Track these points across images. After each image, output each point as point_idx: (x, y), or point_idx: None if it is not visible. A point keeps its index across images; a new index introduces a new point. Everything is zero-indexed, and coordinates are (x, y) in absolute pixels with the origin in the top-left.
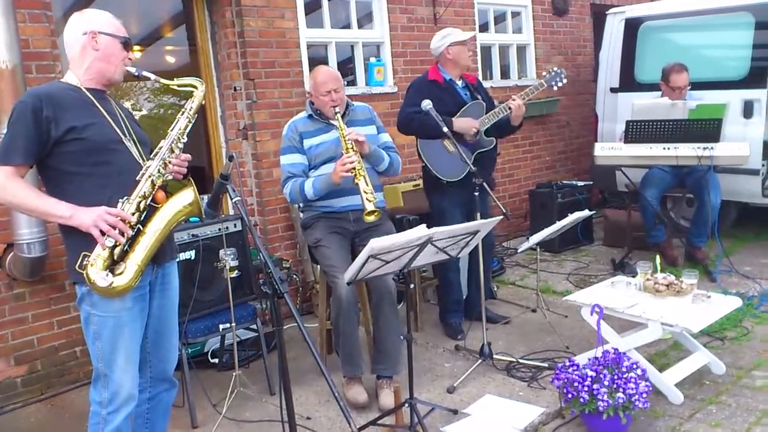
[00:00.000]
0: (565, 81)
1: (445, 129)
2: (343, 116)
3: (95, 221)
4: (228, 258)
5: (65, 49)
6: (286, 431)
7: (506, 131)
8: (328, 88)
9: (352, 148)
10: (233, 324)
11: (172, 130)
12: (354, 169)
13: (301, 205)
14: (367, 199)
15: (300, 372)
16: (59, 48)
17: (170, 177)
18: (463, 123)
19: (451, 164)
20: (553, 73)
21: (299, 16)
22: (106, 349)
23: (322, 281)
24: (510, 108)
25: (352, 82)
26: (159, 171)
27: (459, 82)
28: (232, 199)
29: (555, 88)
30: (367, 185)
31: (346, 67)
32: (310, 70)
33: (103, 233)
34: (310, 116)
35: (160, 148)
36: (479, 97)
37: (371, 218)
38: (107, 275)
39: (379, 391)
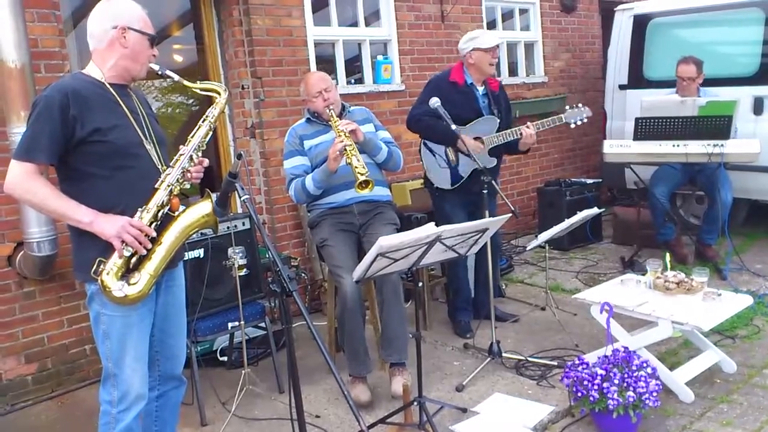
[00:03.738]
0: (585, 120)
1: (454, 127)
2: (340, 117)
3: (119, 232)
4: (237, 256)
5: (88, 38)
6: (295, 429)
7: (512, 152)
8: (318, 89)
9: (345, 135)
10: (242, 322)
11: (192, 137)
12: (345, 149)
13: (308, 204)
14: (358, 172)
15: (309, 370)
16: (68, 47)
17: (188, 186)
18: (470, 144)
19: (448, 171)
20: (576, 110)
21: (306, 14)
22: (115, 348)
23: (330, 279)
24: (521, 134)
25: (360, 80)
26: (177, 180)
27: (480, 88)
28: (240, 197)
29: (572, 125)
30: (359, 161)
31: (353, 65)
32: (318, 68)
33: (122, 242)
34: (308, 120)
35: (181, 155)
36: (495, 111)
37: (364, 191)
38: (123, 286)
39: (392, 378)
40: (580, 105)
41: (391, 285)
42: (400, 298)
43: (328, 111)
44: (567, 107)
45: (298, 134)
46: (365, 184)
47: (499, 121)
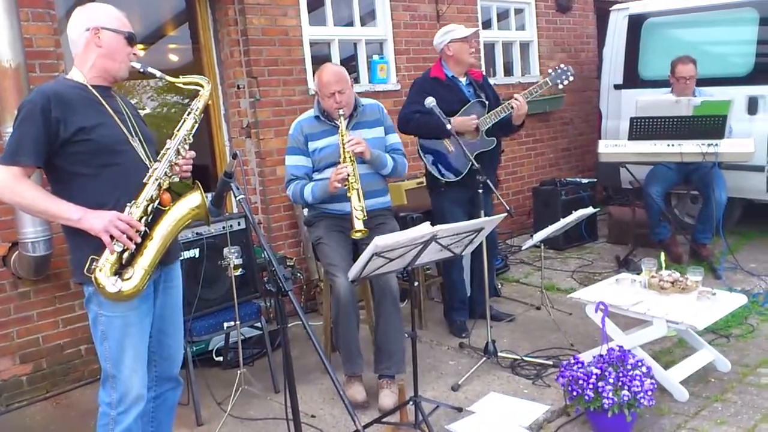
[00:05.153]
0: (571, 79)
1: (449, 126)
2: (351, 118)
3: (107, 227)
4: (232, 256)
5: (69, 45)
6: (290, 429)
7: (508, 131)
8: (332, 90)
9: (350, 157)
10: (238, 322)
11: (178, 131)
12: (347, 181)
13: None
14: (356, 216)
15: (304, 370)
16: (62, 46)
17: (177, 179)
18: (462, 120)
19: (449, 164)
20: (559, 71)
21: (302, 13)
22: (114, 349)
23: (326, 279)
24: (512, 107)
25: (356, 80)
26: (166, 173)
27: (462, 79)
28: (236, 197)
29: (560, 86)
30: (359, 201)
31: (349, 64)
32: (313, 68)
33: (112, 237)
34: (317, 117)
35: (168, 149)
36: (482, 95)
37: (357, 236)
38: (116, 281)
39: (380, 390)
40: (562, 65)
41: (390, 297)
42: (400, 311)
43: (337, 114)
44: (550, 70)
45: (304, 132)
46: (360, 231)
47: (488, 103)
